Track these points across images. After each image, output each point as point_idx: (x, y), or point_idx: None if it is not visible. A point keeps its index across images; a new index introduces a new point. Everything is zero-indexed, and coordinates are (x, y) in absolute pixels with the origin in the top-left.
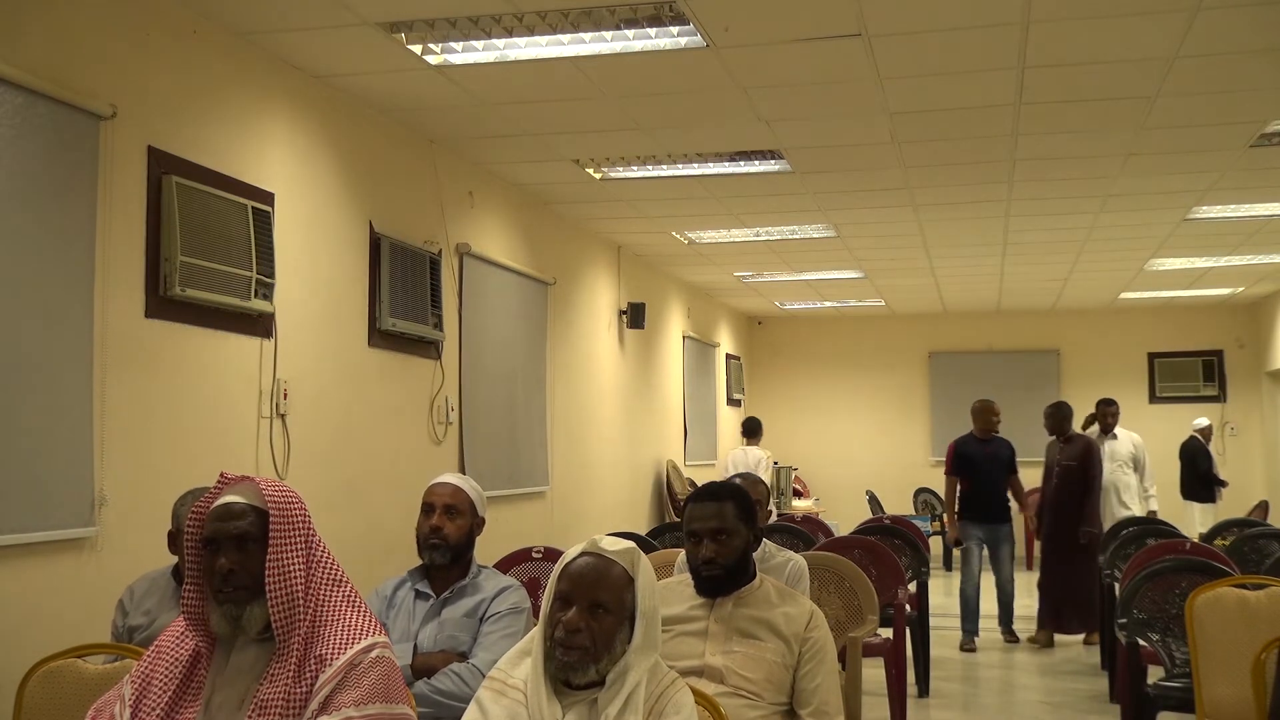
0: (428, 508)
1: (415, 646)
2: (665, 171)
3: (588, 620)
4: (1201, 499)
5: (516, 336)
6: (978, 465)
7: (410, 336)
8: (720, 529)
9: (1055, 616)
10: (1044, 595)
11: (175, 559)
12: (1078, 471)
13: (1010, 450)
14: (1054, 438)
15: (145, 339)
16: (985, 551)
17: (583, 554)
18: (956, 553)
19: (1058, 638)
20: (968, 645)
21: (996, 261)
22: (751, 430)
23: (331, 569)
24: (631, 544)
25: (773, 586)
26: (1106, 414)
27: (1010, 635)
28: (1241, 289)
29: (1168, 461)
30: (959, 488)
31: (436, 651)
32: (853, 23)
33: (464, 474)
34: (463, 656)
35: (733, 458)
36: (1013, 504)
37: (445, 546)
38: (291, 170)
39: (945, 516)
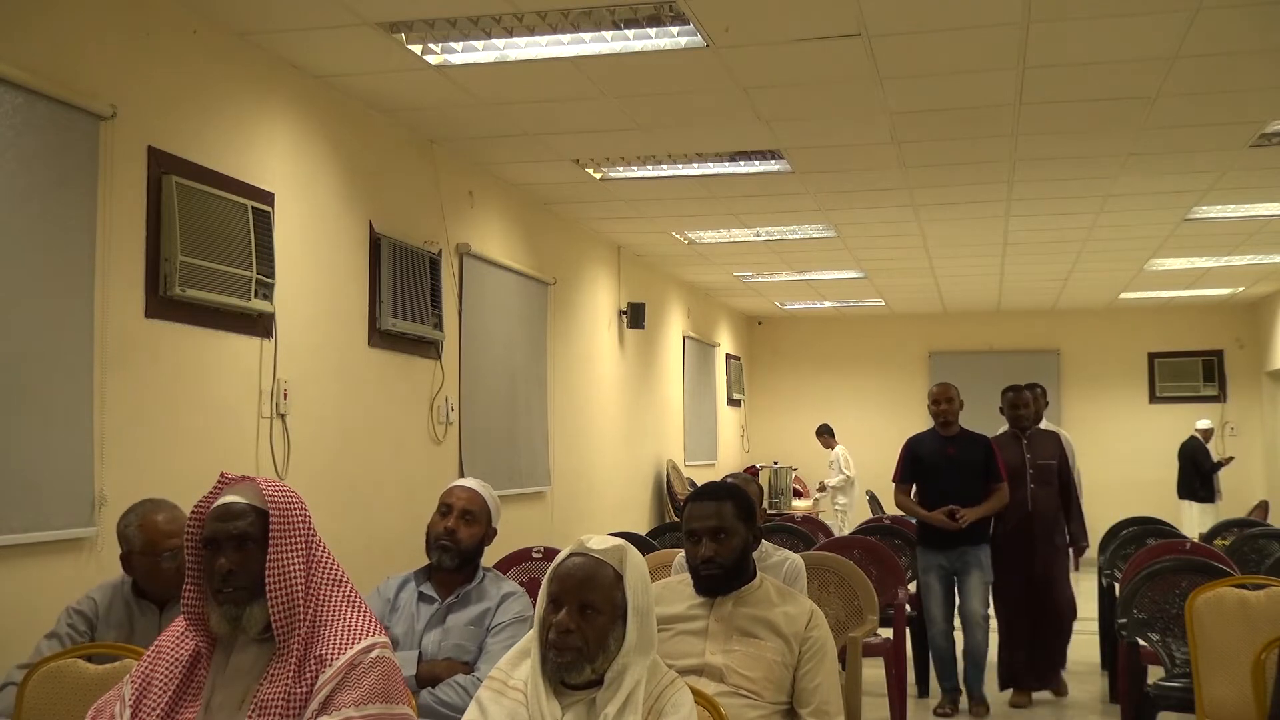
0: (445, 508)
1: (420, 654)
2: (665, 171)
3: (578, 621)
4: (1200, 499)
5: (516, 336)
6: (935, 470)
7: (410, 336)
8: (719, 528)
9: (1029, 668)
10: (1013, 639)
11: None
12: (1058, 473)
13: (985, 450)
14: (1009, 431)
15: (145, 339)
16: (955, 584)
17: (571, 555)
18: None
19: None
20: (943, 710)
21: (996, 261)
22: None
23: (332, 569)
24: (620, 541)
25: (773, 586)
26: (1033, 400)
27: (979, 704)
28: (1241, 289)
29: (1169, 462)
30: (915, 496)
31: (442, 660)
32: (853, 23)
33: (461, 475)
34: (467, 666)
35: (845, 457)
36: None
37: (455, 550)
38: (291, 170)
39: (925, 519)
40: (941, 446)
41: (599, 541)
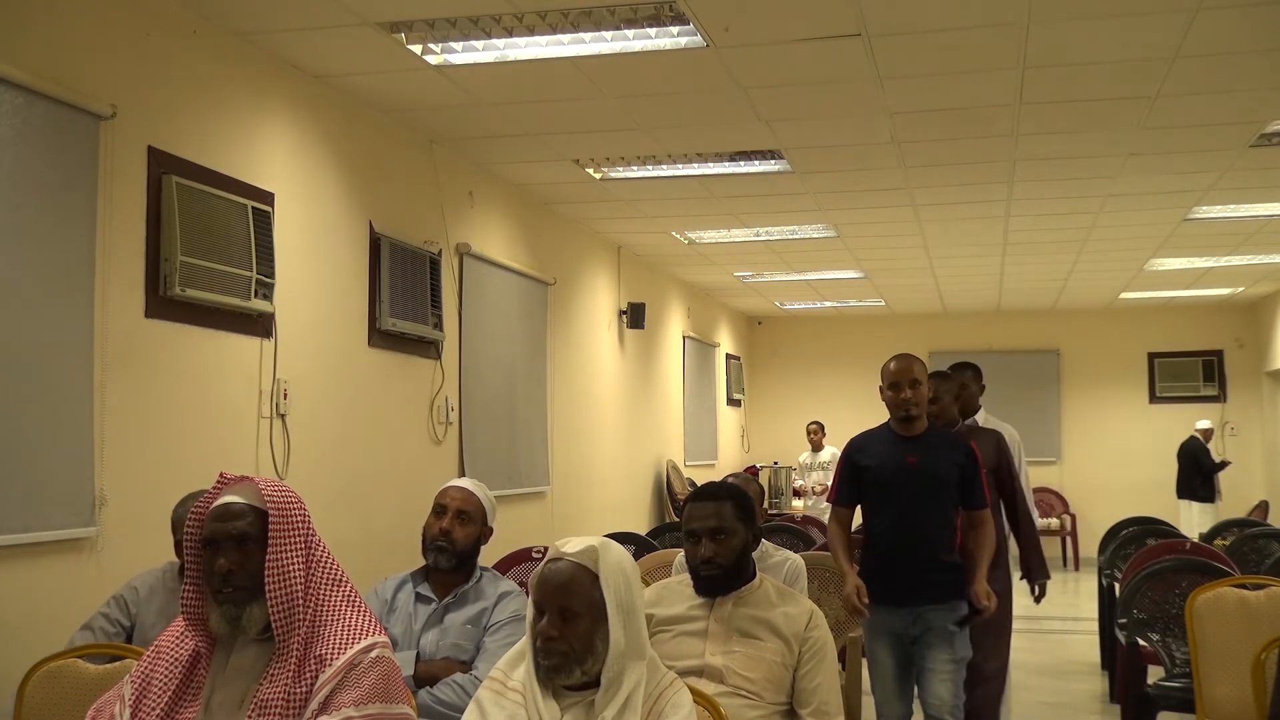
0: (439, 509)
1: (418, 654)
2: (665, 171)
3: (561, 627)
4: (1200, 498)
5: (516, 336)
6: (885, 486)
7: (410, 336)
8: (719, 529)
9: None
10: None
11: (174, 557)
12: (995, 484)
13: (962, 458)
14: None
15: (145, 339)
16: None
17: (548, 561)
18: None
19: (1054, 637)
20: None
21: (996, 261)
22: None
23: (331, 569)
24: (595, 541)
25: (772, 586)
26: (960, 387)
27: None
28: (1241, 289)
29: (1169, 462)
30: (858, 527)
31: (439, 660)
32: (853, 23)
33: (462, 475)
34: (465, 665)
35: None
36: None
37: (451, 551)
38: (291, 170)
39: (841, 572)
40: (896, 452)
41: (574, 544)
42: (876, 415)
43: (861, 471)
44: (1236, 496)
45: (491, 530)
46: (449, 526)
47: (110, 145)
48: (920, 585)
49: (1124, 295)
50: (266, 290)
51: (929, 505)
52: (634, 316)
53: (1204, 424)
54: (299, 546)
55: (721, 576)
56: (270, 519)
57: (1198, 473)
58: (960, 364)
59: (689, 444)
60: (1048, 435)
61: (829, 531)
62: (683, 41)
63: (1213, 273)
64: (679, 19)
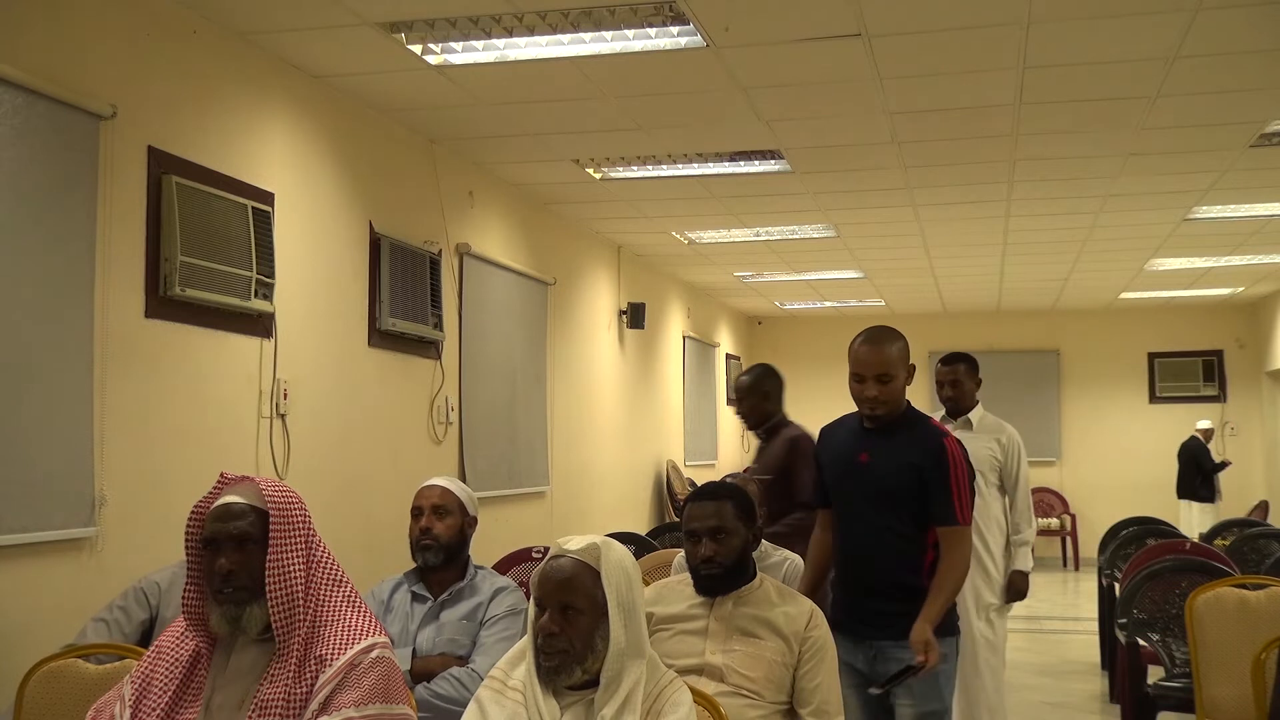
0: (416, 511)
1: (414, 650)
2: (665, 171)
3: (562, 624)
4: (1200, 498)
5: (516, 336)
6: (836, 489)
7: (410, 336)
8: (719, 528)
9: None
10: None
11: (183, 556)
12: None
13: (922, 454)
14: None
15: (145, 339)
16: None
17: (550, 558)
18: None
19: (1054, 637)
20: None
21: (996, 261)
22: None
23: (331, 569)
24: (597, 539)
25: (773, 586)
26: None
27: None
28: (1241, 289)
29: (1169, 462)
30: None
31: (435, 655)
32: (853, 23)
33: (462, 475)
34: (461, 660)
35: None
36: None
37: (437, 546)
38: (291, 170)
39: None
40: (851, 447)
41: (576, 542)
42: None
43: (822, 470)
44: (1236, 496)
45: (475, 520)
46: (428, 524)
47: (110, 145)
48: (873, 616)
49: (1124, 295)
50: (266, 290)
51: (878, 515)
52: (634, 316)
53: (1204, 424)
54: (299, 547)
55: (722, 576)
56: (271, 519)
57: (1198, 473)
58: (954, 354)
59: (689, 444)
60: (1048, 435)
61: (813, 540)
62: (683, 41)
63: (1213, 273)
64: (679, 19)
